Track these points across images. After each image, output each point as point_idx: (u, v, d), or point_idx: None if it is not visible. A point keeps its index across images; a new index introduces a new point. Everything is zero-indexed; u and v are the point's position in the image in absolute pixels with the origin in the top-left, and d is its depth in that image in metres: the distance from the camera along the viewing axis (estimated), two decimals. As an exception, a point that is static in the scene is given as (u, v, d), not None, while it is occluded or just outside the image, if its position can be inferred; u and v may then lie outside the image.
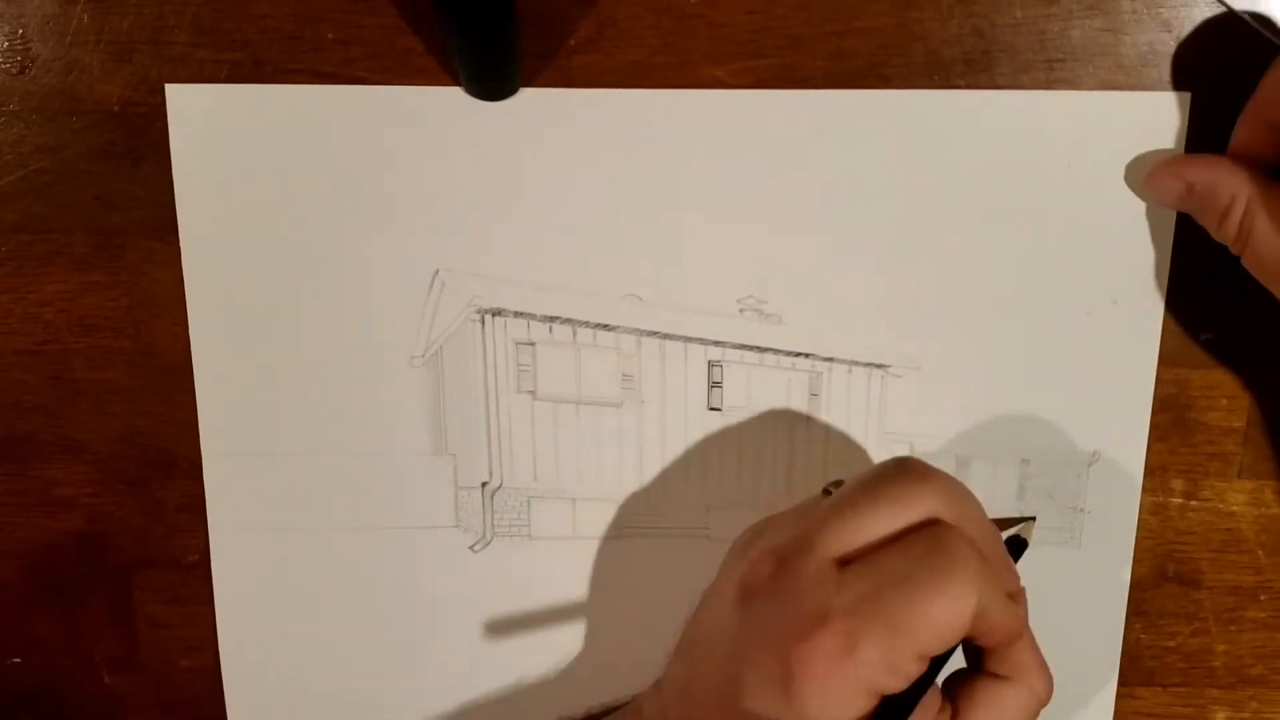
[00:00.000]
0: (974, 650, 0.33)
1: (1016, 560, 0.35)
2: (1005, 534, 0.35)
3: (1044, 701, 0.33)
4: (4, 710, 0.42)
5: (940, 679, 0.32)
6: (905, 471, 0.31)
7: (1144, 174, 0.36)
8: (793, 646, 0.28)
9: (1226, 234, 0.34)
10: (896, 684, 0.29)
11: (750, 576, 0.31)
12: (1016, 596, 0.33)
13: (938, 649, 0.29)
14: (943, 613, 0.28)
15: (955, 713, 0.32)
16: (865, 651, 0.28)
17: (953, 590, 0.28)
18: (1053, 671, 0.41)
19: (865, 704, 0.29)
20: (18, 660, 0.42)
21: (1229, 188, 0.34)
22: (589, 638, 0.41)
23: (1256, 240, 0.33)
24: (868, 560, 0.29)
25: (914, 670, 0.29)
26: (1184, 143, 0.36)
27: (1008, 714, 0.32)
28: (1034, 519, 0.37)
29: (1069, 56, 0.36)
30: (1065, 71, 0.36)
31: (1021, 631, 0.32)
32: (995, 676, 0.32)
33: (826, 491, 0.33)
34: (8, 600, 0.41)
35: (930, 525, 0.30)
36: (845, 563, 0.30)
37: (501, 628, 0.41)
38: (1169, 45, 0.36)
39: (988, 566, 0.29)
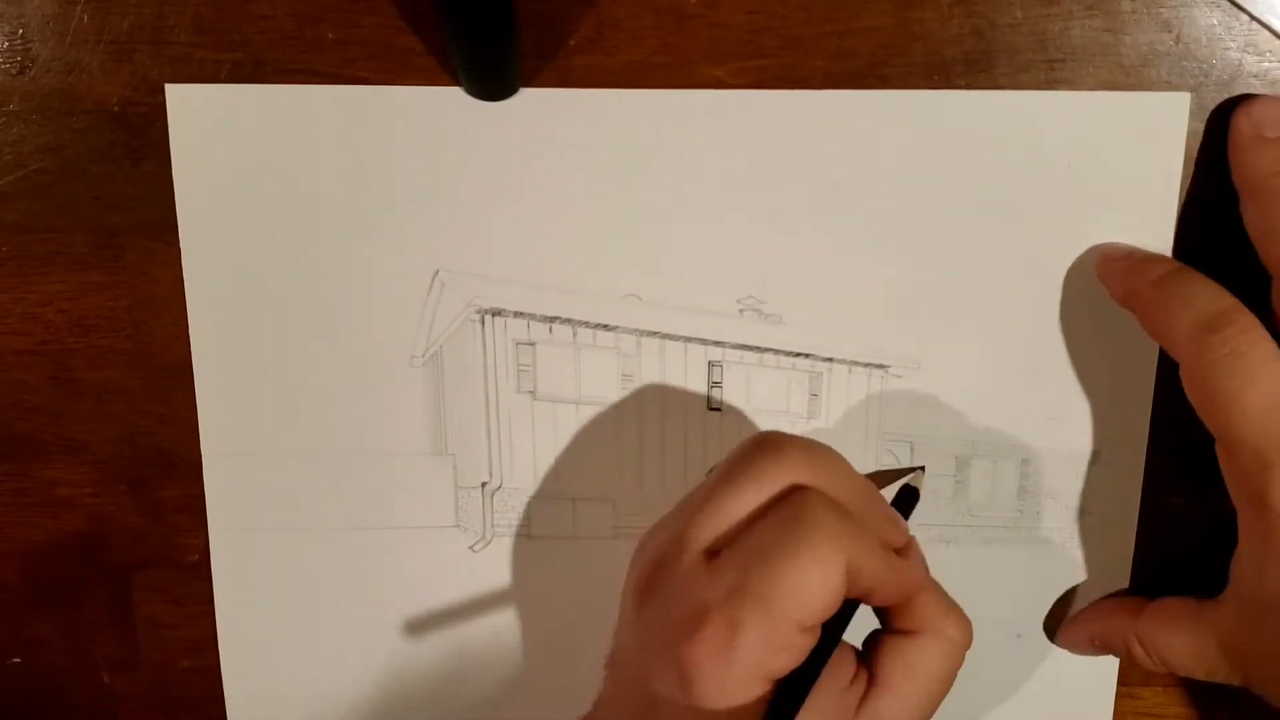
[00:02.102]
0: (881, 611, 0.33)
1: (908, 513, 0.35)
2: (894, 485, 0.35)
3: (962, 644, 0.32)
4: (4, 710, 0.42)
5: (859, 644, 0.32)
6: (760, 447, 0.31)
7: (1060, 629, 0.40)
8: (680, 648, 0.28)
9: (1145, 667, 0.37)
10: (790, 660, 0.29)
11: (640, 582, 0.31)
12: (905, 550, 0.32)
13: (816, 618, 0.29)
14: (808, 580, 0.28)
15: (870, 677, 0.32)
16: (746, 637, 0.28)
17: (814, 555, 0.28)
18: (1053, 672, 0.41)
19: (762, 686, 0.29)
20: (18, 660, 0.42)
21: (1118, 632, 0.37)
22: (588, 637, 0.41)
23: (1170, 659, 0.36)
24: (735, 544, 0.29)
25: (802, 643, 0.29)
26: (1184, 143, 0.36)
27: (922, 667, 0.31)
28: (923, 468, 0.37)
29: (1069, 56, 0.36)
30: (1065, 71, 0.36)
31: (916, 585, 0.31)
32: (904, 633, 0.32)
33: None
34: (8, 600, 0.41)
35: (788, 493, 0.30)
36: (716, 552, 0.30)
37: (501, 628, 0.41)
38: (1169, 45, 0.36)
39: (853, 524, 0.29)
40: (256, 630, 0.41)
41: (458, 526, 0.40)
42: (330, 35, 0.36)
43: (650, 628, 0.30)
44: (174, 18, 0.36)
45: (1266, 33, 0.35)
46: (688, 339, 0.38)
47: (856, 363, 0.39)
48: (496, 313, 0.38)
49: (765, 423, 0.39)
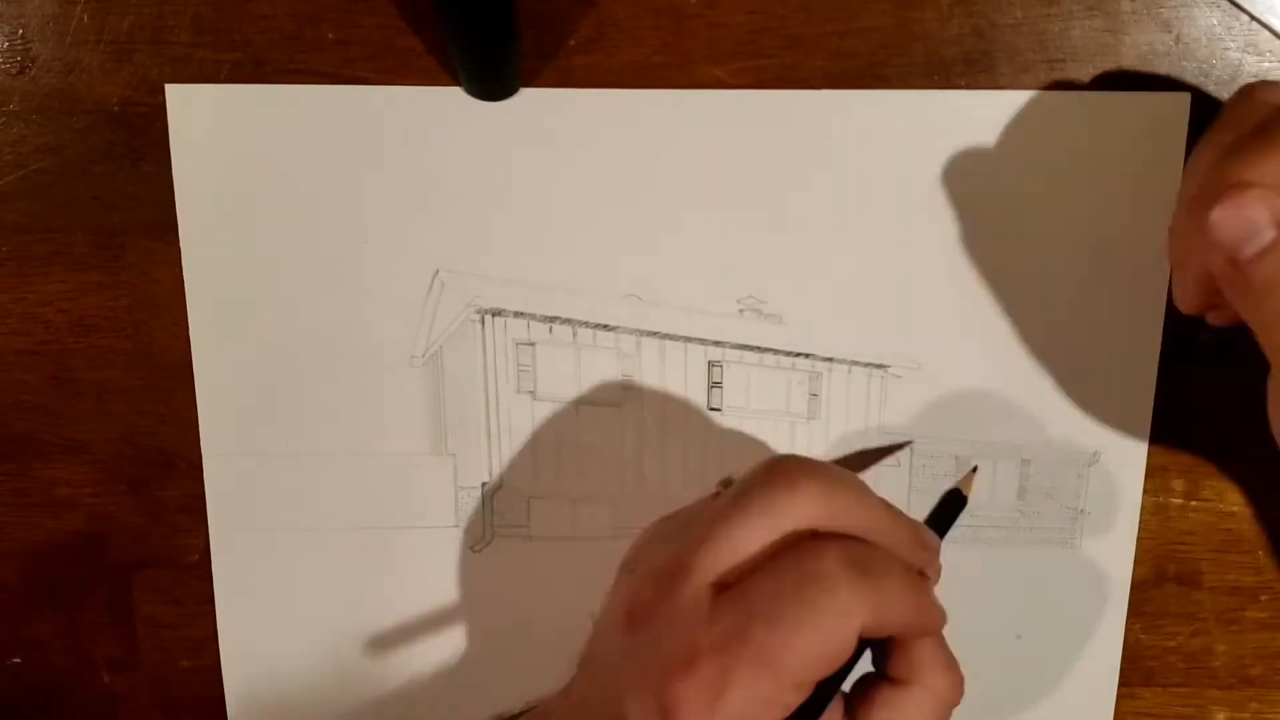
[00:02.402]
0: (878, 649, 0.32)
1: (950, 522, 0.33)
2: (943, 491, 0.34)
3: (949, 701, 0.31)
4: (4, 710, 0.42)
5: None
6: (774, 477, 0.30)
7: (1210, 191, 0.29)
8: (666, 684, 0.28)
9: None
10: (777, 715, 0.28)
11: (633, 601, 0.30)
12: (926, 573, 0.31)
13: (815, 677, 0.28)
14: (812, 645, 0.27)
15: None
16: (736, 690, 0.27)
17: (821, 622, 0.27)
18: (1053, 672, 0.41)
19: None
20: (18, 660, 0.42)
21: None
22: (588, 637, 0.41)
23: None
24: (739, 589, 0.29)
25: (794, 699, 0.28)
26: (1184, 143, 0.36)
27: (906, 717, 0.31)
28: (975, 469, 0.36)
29: (1069, 56, 0.36)
30: (1065, 71, 0.36)
31: (931, 625, 0.31)
32: (893, 681, 0.31)
33: (718, 491, 0.32)
34: (8, 600, 0.41)
35: (803, 543, 0.29)
36: (724, 586, 0.29)
37: (501, 628, 0.41)
38: (1169, 45, 0.36)
39: (871, 584, 0.28)
40: (256, 630, 0.41)
41: (458, 526, 0.40)
42: (330, 35, 0.36)
43: (638, 651, 0.30)
44: (174, 18, 0.36)
45: (1266, 33, 0.35)
46: (688, 339, 0.38)
47: (856, 363, 0.39)
48: (496, 313, 0.38)
49: (766, 423, 0.39)
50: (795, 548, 0.29)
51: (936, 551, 0.32)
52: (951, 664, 0.31)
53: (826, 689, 0.29)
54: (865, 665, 0.32)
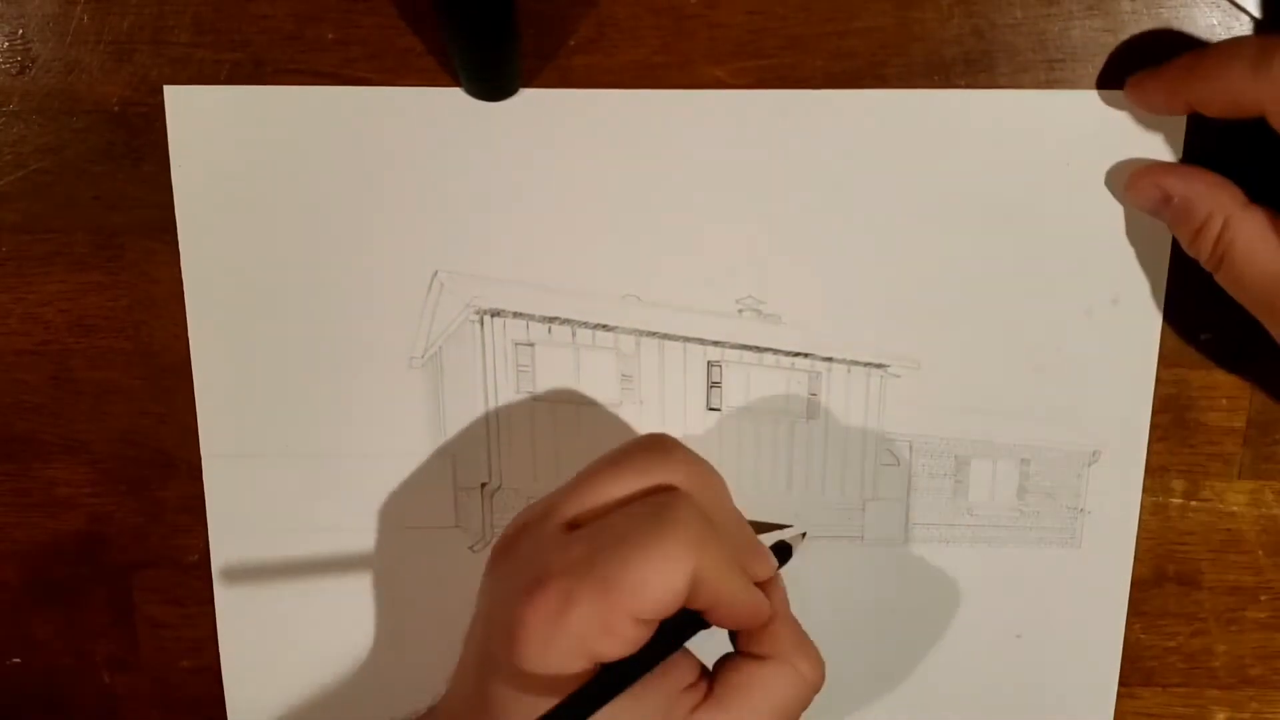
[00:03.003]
0: (735, 639, 0.33)
1: (780, 565, 0.35)
2: (771, 536, 0.36)
3: (811, 683, 0.32)
4: (4, 710, 0.42)
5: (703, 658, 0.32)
6: (653, 444, 0.32)
7: (1127, 177, 0.36)
8: (516, 606, 0.29)
9: (1200, 250, 0.34)
10: (617, 647, 0.29)
11: (499, 543, 0.32)
12: (767, 585, 0.32)
13: (652, 612, 0.29)
14: (651, 574, 0.28)
15: (710, 691, 0.31)
16: (578, 609, 0.28)
17: (664, 550, 0.28)
18: (1053, 672, 0.41)
19: (582, 664, 0.29)
20: (18, 660, 0.42)
21: (1206, 204, 0.34)
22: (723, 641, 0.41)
23: (1234, 260, 0.33)
24: (595, 523, 0.30)
25: (631, 634, 0.29)
26: (1184, 142, 0.36)
27: (761, 691, 0.31)
28: (805, 534, 0.37)
29: (1069, 56, 0.36)
30: (1065, 71, 0.36)
31: (767, 613, 0.31)
32: (753, 656, 0.32)
33: None
34: (8, 600, 0.41)
35: (662, 490, 0.30)
36: (577, 526, 0.30)
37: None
38: (1169, 45, 0.36)
39: (714, 536, 0.29)
40: (256, 630, 0.41)
41: (458, 527, 0.40)
42: (330, 35, 0.36)
43: (497, 588, 0.31)
44: (174, 18, 0.36)
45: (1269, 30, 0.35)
46: (687, 339, 0.38)
47: (856, 363, 0.39)
48: (496, 313, 0.38)
49: (765, 423, 0.39)
50: (653, 492, 0.30)
51: (771, 564, 0.33)
52: (810, 646, 0.33)
53: (666, 636, 0.30)
54: (728, 646, 0.33)
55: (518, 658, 0.29)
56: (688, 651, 0.32)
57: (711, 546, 0.29)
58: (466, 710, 0.31)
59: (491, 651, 0.30)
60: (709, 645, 0.32)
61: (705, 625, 0.31)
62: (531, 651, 0.29)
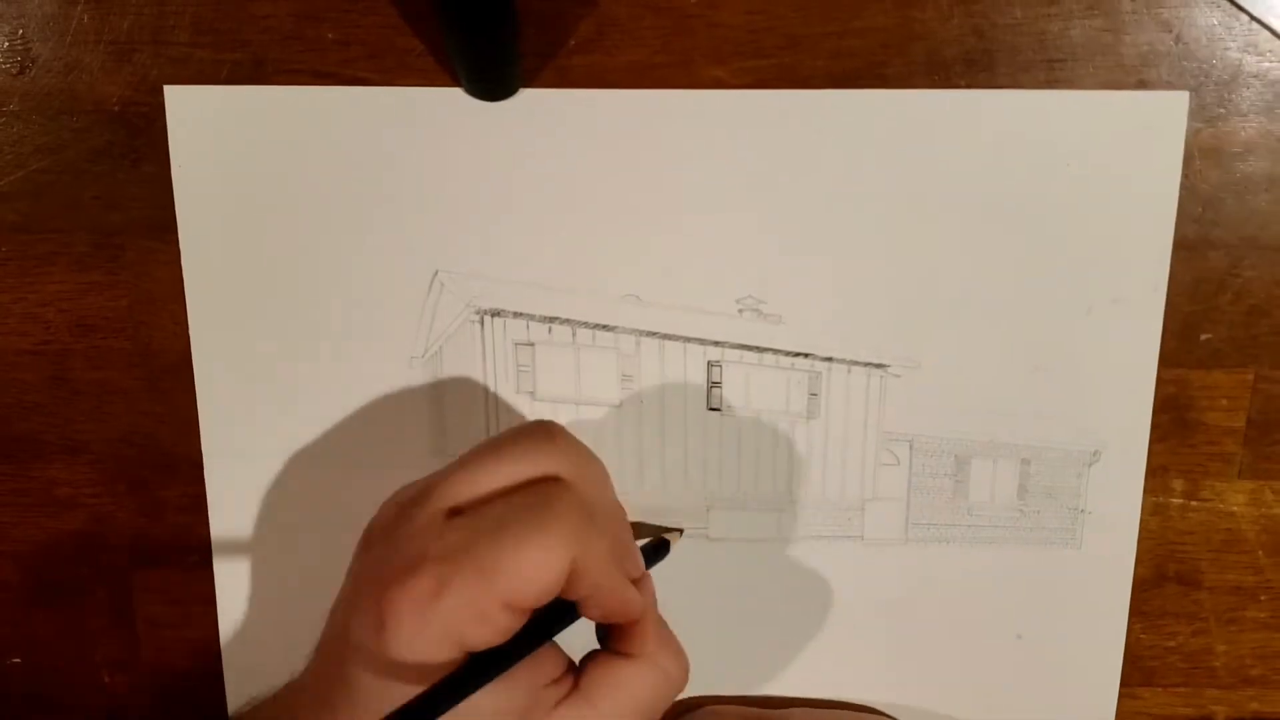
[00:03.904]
0: (604, 636, 0.33)
1: (651, 562, 0.35)
2: (645, 538, 0.35)
3: (675, 682, 0.32)
4: (4, 710, 0.42)
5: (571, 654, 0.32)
6: (536, 430, 0.31)
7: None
8: (386, 589, 0.28)
9: None
10: (486, 634, 0.28)
11: (373, 524, 0.31)
12: (639, 583, 0.32)
13: (525, 600, 0.28)
14: (529, 561, 0.28)
15: (576, 686, 0.31)
16: (452, 595, 0.28)
17: (542, 540, 0.28)
18: (1054, 672, 0.41)
19: (452, 650, 0.28)
20: (18, 660, 0.42)
21: None
22: (588, 637, 0.41)
23: None
24: (474, 510, 0.30)
25: (503, 622, 0.28)
26: (1183, 142, 0.36)
27: (625, 688, 0.31)
28: (681, 531, 0.37)
29: (1069, 56, 0.36)
30: (1065, 71, 0.36)
31: (638, 610, 0.31)
32: (620, 654, 0.32)
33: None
34: (8, 600, 0.41)
35: (544, 480, 0.30)
36: (458, 512, 0.30)
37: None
38: (1169, 45, 0.36)
39: (593, 529, 0.29)
40: (256, 630, 0.41)
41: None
42: (330, 35, 0.36)
43: (366, 570, 0.31)
44: (174, 18, 0.36)
45: (1266, 33, 0.35)
46: (687, 339, 0.38)
47: (856, 362, 0.39)
48: (496, 313, 0.38)
49: (765, 422, 0.39)
50: (535, 482, 0.30)
51: (640, 567, 0.33)
52: (676, 644, 0.33)
53: (538, 627, 0.30)
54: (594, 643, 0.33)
55: (385, 643, 0.28)
56: (555, 645, 0.32)
57: (591, 538, 0.29)
58: (325, 693, 0.30)
59: (357, 635, 0.29)
60: (577, 642, 0.32)
61: (576, 617, 0.31)
62: (400, 638, 0.28)
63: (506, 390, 0.39)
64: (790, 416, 0.39)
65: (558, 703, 0.31)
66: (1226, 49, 0.36)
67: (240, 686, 0.41)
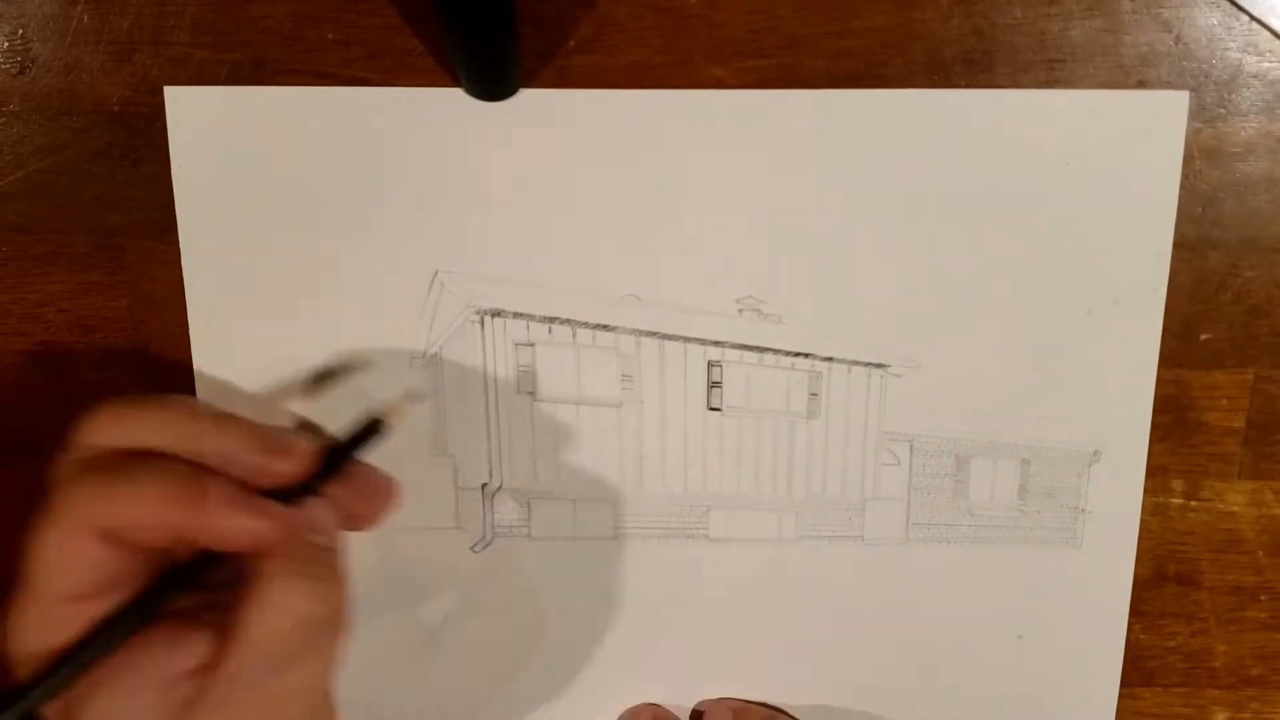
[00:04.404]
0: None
1: (360, 445, 0.32)
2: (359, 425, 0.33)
3: (303, 611, 0.28)
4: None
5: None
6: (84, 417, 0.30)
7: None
8: None
9: None
10: (64, 632, 0.27)
11: None
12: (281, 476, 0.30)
13: (80, 589, 0.27)
14: (47, 553, 0.27)
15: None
16: (11, 619, 0.27)
17: (51, 526, 0.28)
18: (1055, 672, 0.41)
19: (37, 660, 0.27)
20: (17, 661, 0.41)
21: None
22: (588, 638, 0.41)
23: None
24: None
25: (72, 614, 0.27)
26: (1183, 142, 0.36)
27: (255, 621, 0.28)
28: (420, 399, 0.35)
29: (1069, 56, 0.36)
30: (1065, 71, 0.36)
31: (272, 533, 0.28)
32: (248, 589, 0.28)
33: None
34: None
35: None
36: None
37: (501, 628, 0.41)
38: (1169, 45, 0.36)
39: (113, 487, 0.28)
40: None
41: (458, 527, 0.40)
42: (330, 35, 0.36)
43: None
44: (174, 18, 0.36)
45: (1266, 33, 0.35)
46: (687, 339, 0.38)
47: (856, 362, 0.39)
48: (496, 313, 0.38)
49: (766, 422, 0.39)
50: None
51: (295, 456, 0.30)
52: (307, 574, 0.29)
53: (145, 601, 0.28)
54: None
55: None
56: (196, 627, 0.29)
57: (116, 498, 0.27)
58: None
59: None
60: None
61: (207, 563, 0.29)
62: (7, 660, 0.28)
63: (507, 390, 0.39)
64: (790, 416, 0.39)
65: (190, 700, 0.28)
66: (1226, 49, 0.36)
67: (240, 687, 0.41)
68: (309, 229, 0.37)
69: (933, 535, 0.40)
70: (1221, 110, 0.36)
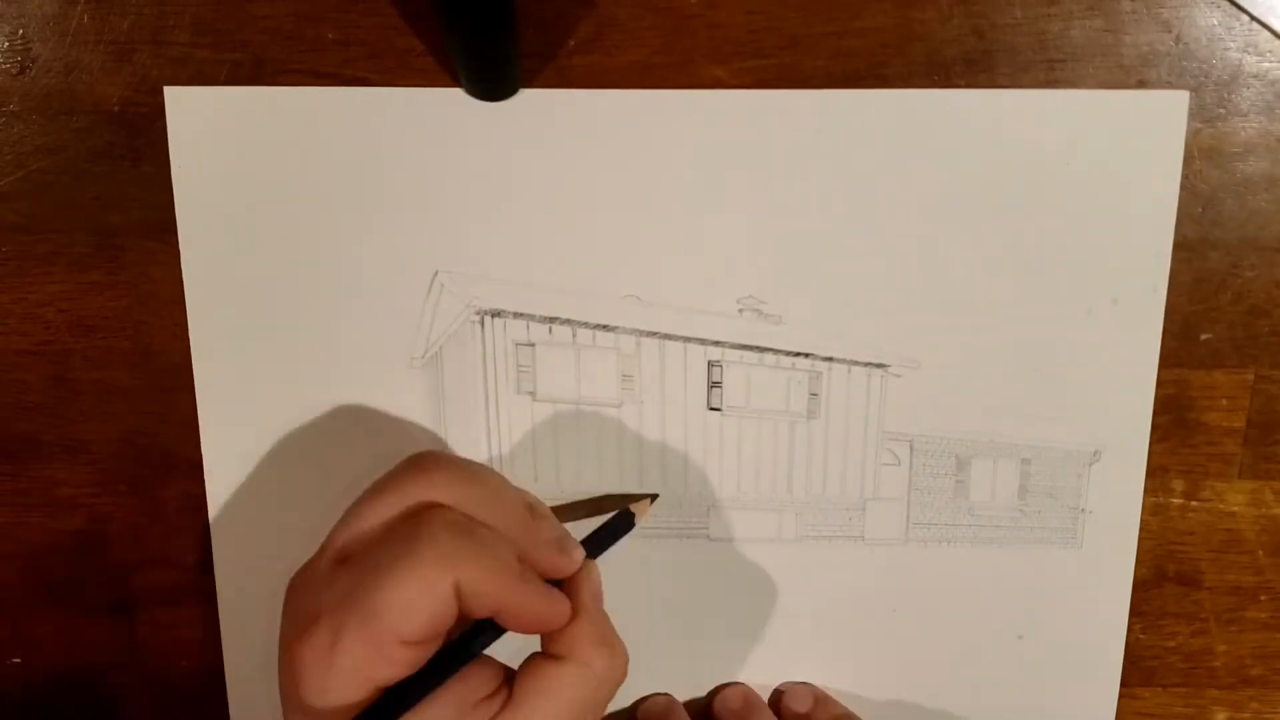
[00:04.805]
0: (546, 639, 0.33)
1: (614, 538, 0.35)
2: (594, 520, 0.36)
3: (608, 678, 0.32)
4: (4, 710, 0.42)
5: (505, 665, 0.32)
6: (412, 463, 0.32)
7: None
8: (290, 646, 0.30)
9: None
10: (393, 671, 0.29)
11: (291, 584, 0.32)
12: (574, 580, 0.33)
13: (416, 634, 0.29)
14: (406, 596, 0.28)
15: (510, 697, 0.31)
16: (346, 643, 0.28)
17: (416, 572, 0.29)
18: (1055, 672, 0.41)
19: (363, 692, 0.29)
20: (18, 660, 0.42)
21: None
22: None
23: None
24: (358, 555, 0.30)
25: (402, 656, 0.29)
26: (1183, 142, 0.36)
27: (556, 691, 0.31)
28: (654, 497, 0.38)
29: (1069, 56, 0.36)
30: (1065, 71, 0.36)
31: (560, 619, 0.32)
32: (549, 657, 0.32)
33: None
34: (8, 600, 0.41)
35: (417, 509, 0.30)
36: (346, 559, 0.31)
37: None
38: (1169, 45, 0.36)
39: (474, 545, 0.29)
40: (256, 630, 0.41)
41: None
42: (330, 35, 0.36)
43: (282, 629, 0.32)
44: (174, 18, 0.36)
45: (1266, 33, 0.35)
46: (687, 339, 0.38)
47: (856, 362, 0.39)
48: (496, 313, 0.38)
49: (766, 422, 0.39)
50: (409, 513, 0.31)
51: (574, 558, 0.33)
52: (612, 642, 0.32)
53: (452, 654, 0.30)
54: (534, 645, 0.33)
55: (302, 695, 0.29)
56: (488, 660, 0.32)
57: (470, 556, 0.29)
58: None
59: (283, 691, 0.31)
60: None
61: (500, 632, 0.31)
62: (311, 688, 0.29)
63: (506, 391, 0.39)
64: (790, 416, 0.39)
65: (491, 718, 0.31)
66: (1226, 49, 0.36)
67: (240, 687, 0.41)
68: (309, 229, 0.37)
69: (933, 535, 0.40)
70: (1221, 110, 0.36)
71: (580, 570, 0.33)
